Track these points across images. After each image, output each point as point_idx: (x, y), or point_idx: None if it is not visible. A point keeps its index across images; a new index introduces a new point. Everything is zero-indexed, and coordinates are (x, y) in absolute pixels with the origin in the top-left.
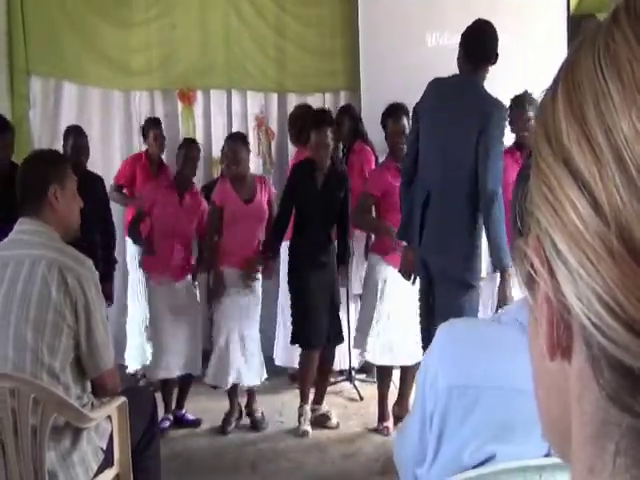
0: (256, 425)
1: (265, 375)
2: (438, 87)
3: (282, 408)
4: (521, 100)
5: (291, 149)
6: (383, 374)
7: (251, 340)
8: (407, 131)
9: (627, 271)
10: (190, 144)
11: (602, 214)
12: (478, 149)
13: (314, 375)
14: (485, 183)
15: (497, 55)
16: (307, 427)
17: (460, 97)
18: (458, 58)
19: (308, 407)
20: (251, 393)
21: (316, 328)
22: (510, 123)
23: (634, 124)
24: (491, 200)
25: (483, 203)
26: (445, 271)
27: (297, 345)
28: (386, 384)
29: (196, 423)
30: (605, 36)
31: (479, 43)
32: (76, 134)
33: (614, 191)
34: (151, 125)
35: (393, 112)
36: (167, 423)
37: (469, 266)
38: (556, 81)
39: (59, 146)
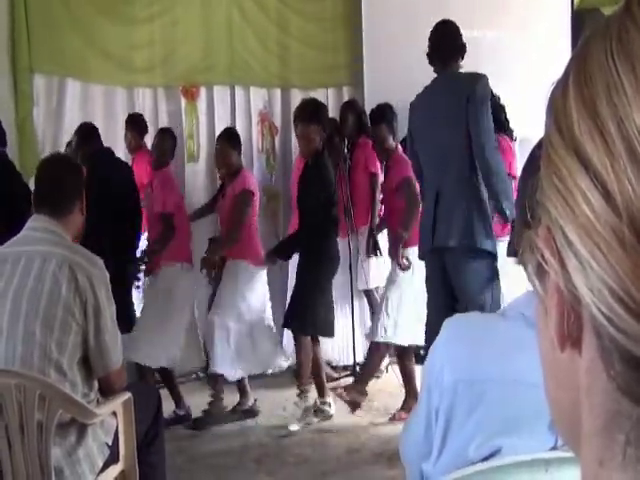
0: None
1: (240, 371)
2: (419, 98)
3: (286, 403)
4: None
5: (295, 145)
6: (403, 353)
7: (216, 328)
8: (386, 134)
9: (639, 262)
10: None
11: (614, 205)
12: (468, 114)
13: (314, 364)
14: (478, 139)
15: (465, 47)
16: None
17: (442, 90)
18: (430, 63)
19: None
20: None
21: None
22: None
23: None
24: (487, 154)
25: (479, 159)
26: (466, 251)
27: None
28: (411, 361)
29: (182, 419)
30: (618, 28)
31: (443, 43)
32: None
33: (626, 182)
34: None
35: (371, 117)
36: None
37: (487, 235)
38: (566, 73)
39: (62, 143)
